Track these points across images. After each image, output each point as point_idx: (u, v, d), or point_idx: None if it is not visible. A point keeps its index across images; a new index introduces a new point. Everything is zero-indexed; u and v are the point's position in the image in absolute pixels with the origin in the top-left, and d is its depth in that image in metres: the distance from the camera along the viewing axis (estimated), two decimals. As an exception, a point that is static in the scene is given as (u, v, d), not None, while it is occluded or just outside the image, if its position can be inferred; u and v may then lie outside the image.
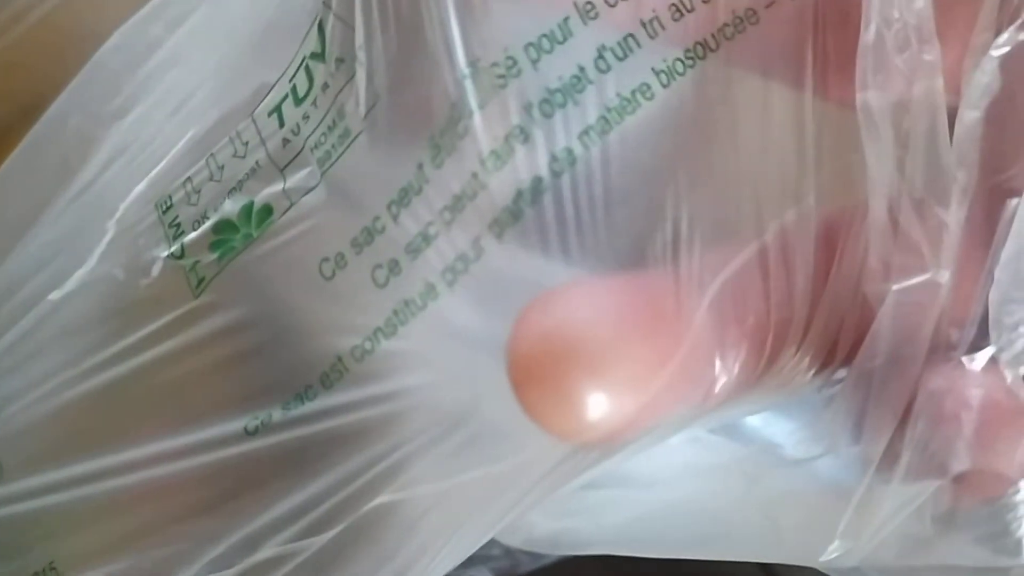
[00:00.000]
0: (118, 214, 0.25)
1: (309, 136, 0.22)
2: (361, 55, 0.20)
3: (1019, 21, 0.19)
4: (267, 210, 0.22)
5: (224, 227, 0.23)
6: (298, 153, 0.22)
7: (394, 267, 0.20)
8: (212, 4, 0.26)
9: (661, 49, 0.19)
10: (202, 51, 0.26)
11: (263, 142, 0.23)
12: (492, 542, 0.23)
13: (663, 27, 0.19)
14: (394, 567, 0.22)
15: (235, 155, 0.23)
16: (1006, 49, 0.19)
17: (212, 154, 0.24)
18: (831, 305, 0.20)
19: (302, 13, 0.23)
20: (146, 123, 0.26)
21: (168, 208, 0.24)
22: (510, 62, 0.19)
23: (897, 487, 0.20)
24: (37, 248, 0.27)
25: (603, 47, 0.19)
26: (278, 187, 0.22)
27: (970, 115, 0.19)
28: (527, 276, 0.19)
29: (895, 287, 0.19)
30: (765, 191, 0.20)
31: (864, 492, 0.20)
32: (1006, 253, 0.19)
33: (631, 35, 0.19)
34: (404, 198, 0.20)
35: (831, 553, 0.21)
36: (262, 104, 0.23)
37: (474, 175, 0.19)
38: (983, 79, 0.19)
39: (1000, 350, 0.19)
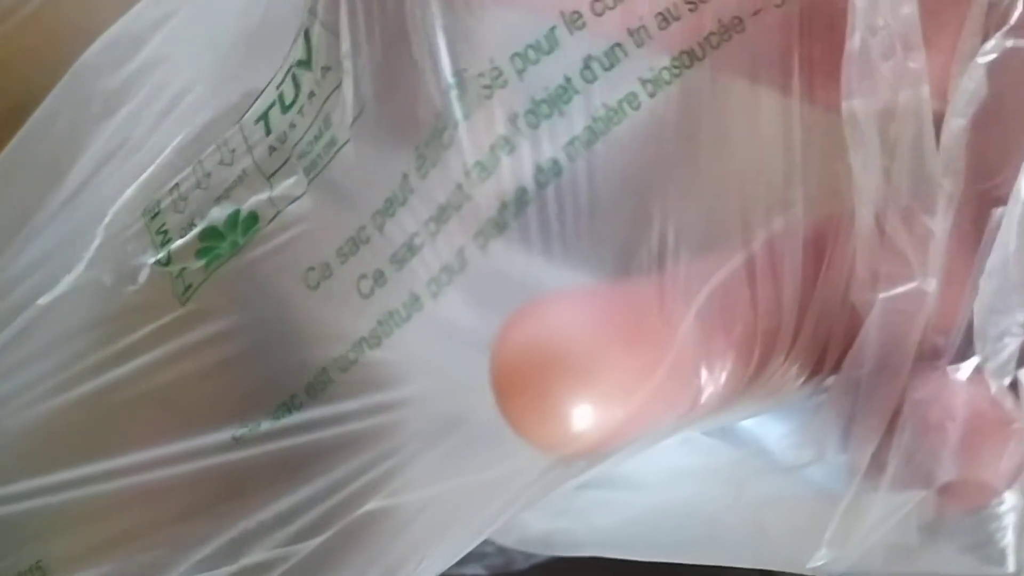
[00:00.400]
0: (106, 220, 0.25)
1: (296, 144, 0.22)
2: (347, 64, 0.20)
3: (1006, 27, 0.19)
4: (253, 218, 0.22)
5: (210, 235, 0.23)
6: (285, 161, 0.22)
7: (379, 277, 0.20)
8: (196, 5, 0.26)
9: (648, 58, 0.19)
10: (188, 51, 0.26)
11: (250, 150, 0.23)
12: (486, 540, 0.23)
13: (650, 36, 0.19)
14: (383, 571, 0.22)
15: (222, 162, 0.23)
16: (993, 56, 0.19)
17: (200, 161, 0.24)
18: (819, 313, 0.20)
19: (290, 19, 0.23)
20: (135, 126, 0.26)
21: (156, 215, 0.24)
22: (496, 72, 0.19)
23: (884, 496, 0.20)
24: (28, 251, 0.27)
25: (590, 57, 0.19)
26: (265, 195, 0.22)
27: (956, 122, 0.19)
28: (512, 287, 0.19)
29: (882, 295, 0.19)
30: (752, 200, 0.19)
31: (851, 500, 0.20)
32: (991, 263, 0.19)
33: (618, 44, 0.19)
34: (389, 208, 0.20)
35: (818, 560, 0.21)
36: (249, 111, 0.23)
37: (459, 186, 0.19)
38: (970, 86, 0.19)
39: (985, 360, 0.19)
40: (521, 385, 0.18)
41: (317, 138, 0.21)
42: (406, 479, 0.21)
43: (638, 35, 0.19)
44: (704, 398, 0.19)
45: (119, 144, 0.26)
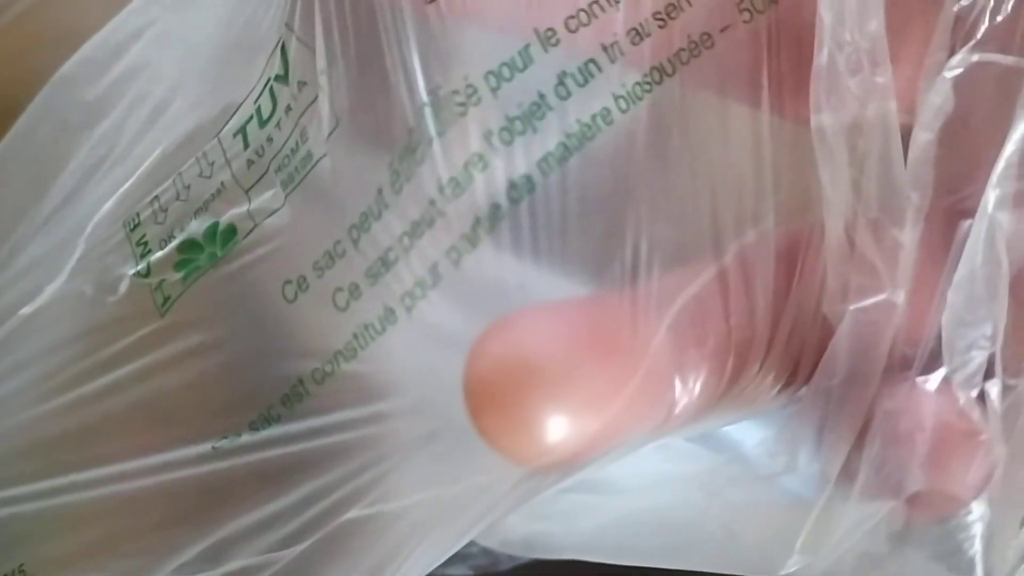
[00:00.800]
0: (87, 230, 0.25)
1: (273, 158, 0.22)
2: (323, 79, 0.20)
3: (972, 42, 0.19)
4: (232, 230, 0.22)
5: (189, 247, 0.23)
6: (263, 175, 0.22)
7: (354, 291, 0.20)
8: (175, 15, 0.26)
9: (620, 74, 0.19)
10: (168, 62, 0.26)
11: (228, 163, 0.23)
12: (471, 541, 0.23)
13: (623, 52, 0.19)
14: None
15: (201, 175, 0.23)
16: (959, 70, 0.19)
17: (180, 173, 0.24)
18: (792, 324, 0.20)
19: (268, 32, 0.23)
20: (117, 137, 0.26)
21: (136, 226, 0.24)
22: (470, 90, 0.19)
23: (855, 504, 0.20)
24: (13, 262, 0.27)
25: (564, 73, 0.19)
26: (243, 208, 0.22)
27: (924, 136, 0.19)
28: (485, 302, 0.19)
29: (852, 307, 0.20)
30: (724, 213, 0.20)
31: (822, 508, 0.21)
32: (958, 275, 0.19)
33: (592, 60, 0.19)
34: (365, 222, 0.20)
35: (790, 567, 0.21)
36: (228, 125, 0.23)
37: (432, 202, 0.19)
38: (936, 100, 0.19)
39: (953, 371, 0.19)
40: (494, 398, 0.18)
41: (294, 152, 0.21)
42: (384, 490, 0.21)
43: (611, 51, 0.19)
44: (678, 409, 0.20)
45: (102, 155, 0.26)
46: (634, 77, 0.19)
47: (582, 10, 0.19)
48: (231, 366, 0.22)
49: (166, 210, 0.24)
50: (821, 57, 0.19)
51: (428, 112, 0.19)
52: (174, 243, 0.23)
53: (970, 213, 0.19)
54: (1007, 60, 0.19)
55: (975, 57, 0.19)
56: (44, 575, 0.25)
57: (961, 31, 0.19)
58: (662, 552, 0.24)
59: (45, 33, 0.35)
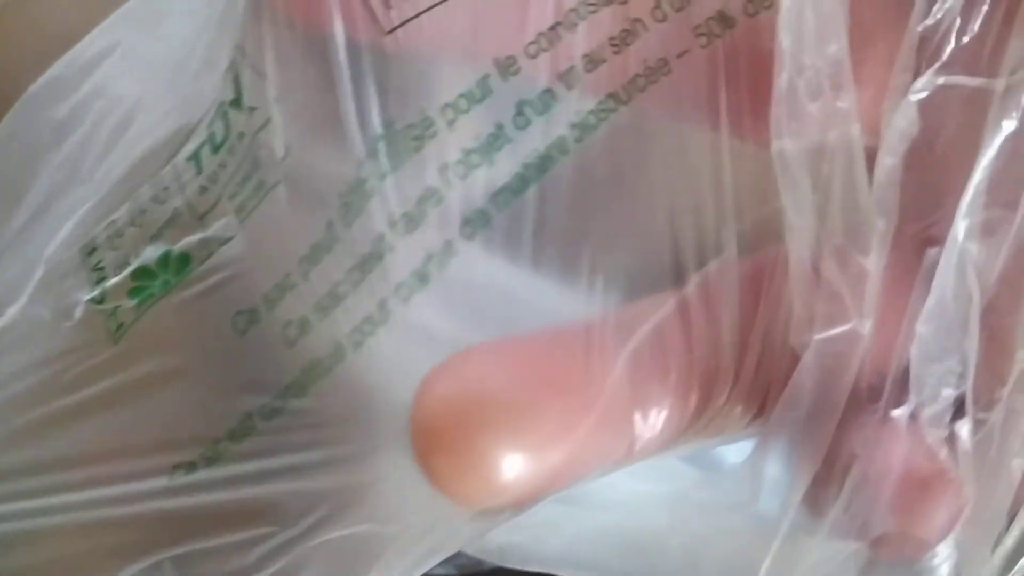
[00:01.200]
0: (47, 253, 0.25)
1: (227, 185, 0.21)
2: (275, 108, 0.20)
3: (938, 63, 0.19)
4: (185, 258, 0.22)
5: (143, 274, 0.23)
6: (216, 202, 0.22)
7: (304, 325, 0.20)
8: (142, 33, 0.26)
9: (577, 102, 0.19)
10: (131, 81, 0.26)
11: (182, 188, 0.22)
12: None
13: (579, 79, 0.19)
14: None
15: (155, 199, 0.23)
16: (924, 93, 0.19)
17: (135, 197, 0.23)
18: (760, 355, 0.20)
19: (222, 56, 0.22)
20: (81, 157, 0.26)
21: (92, 251, 0.24)
22: (427, 123, 0.18)
23: (821, 542, 0.20)
24: None
25: (523, 102, 0.19)
26: (197, 236, 0.22)
27: (889, 161, 0.19)
28: (435, 340, 0.18)
29: (817, 337, 0.19)
30: (684, 242, 0.19)
31: (787, 540, 0.20)
32: (928, 306, 0.19)
33: (550, 88, 0.19)
34: (315, 255, 0.20)
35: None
36: (182, 149, 0.23)
37: (381, 236, 0.19)
38: (902, 124, 0.19)
39: (920, 406, 0.19)
40: (442, 440, 0.17)
41: (246, 179, 0.21)
42: (334, 523, 0.20)
43: (568, 78, 0.19)
44: (640, 444, 0.19)
45: (67, 175, 0.26)
46: (589, 105, 0.19)
47: (542, 34, 0.19)
48: (182, 397, 0.22)
49: (122, 235, 0.23)
50: (781, 82, 0.18)
51: (382, 146, 0.18)
52: (128, 270, 0.23)
53: (938, 240, 0.19)
54: (974, 82, 0.18)
55: (941, 79, 0.19)
56: None
57: (926, 52, 0.19)
58: (629, 571, 0.24)
59: (21, 32, 0.35)
